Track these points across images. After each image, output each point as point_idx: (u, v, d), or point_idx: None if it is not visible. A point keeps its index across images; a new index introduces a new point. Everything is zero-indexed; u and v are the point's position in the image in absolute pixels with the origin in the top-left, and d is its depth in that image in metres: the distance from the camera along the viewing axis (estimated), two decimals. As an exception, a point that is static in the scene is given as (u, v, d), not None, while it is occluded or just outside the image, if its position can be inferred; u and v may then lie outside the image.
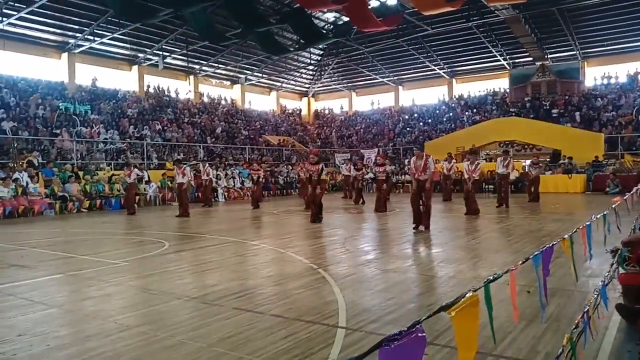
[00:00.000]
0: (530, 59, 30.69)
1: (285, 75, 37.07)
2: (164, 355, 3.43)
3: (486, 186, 19.94)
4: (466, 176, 13.31)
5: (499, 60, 31.65)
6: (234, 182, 23.69)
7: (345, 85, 39.42)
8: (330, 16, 27.80)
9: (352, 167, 21.45)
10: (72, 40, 24.57)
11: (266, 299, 4.88)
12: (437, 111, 34.54)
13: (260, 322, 4.13)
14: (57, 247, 8.92)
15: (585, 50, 29.43)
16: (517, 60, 31.76)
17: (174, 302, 4.87)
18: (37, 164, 17.62)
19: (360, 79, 38.09)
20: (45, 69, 24.92)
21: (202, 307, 4.64)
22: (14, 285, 5.75)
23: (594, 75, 30.29)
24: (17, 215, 14.95)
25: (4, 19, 21.00)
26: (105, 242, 9.71)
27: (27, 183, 15.99)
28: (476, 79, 34.57)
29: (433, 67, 33.86)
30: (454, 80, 35.33)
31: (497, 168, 15.70)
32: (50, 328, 4.10)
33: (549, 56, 30.29)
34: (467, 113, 32.21)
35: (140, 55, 28.03)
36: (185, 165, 15.83)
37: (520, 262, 2.27)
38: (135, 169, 16.87)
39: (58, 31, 23.66)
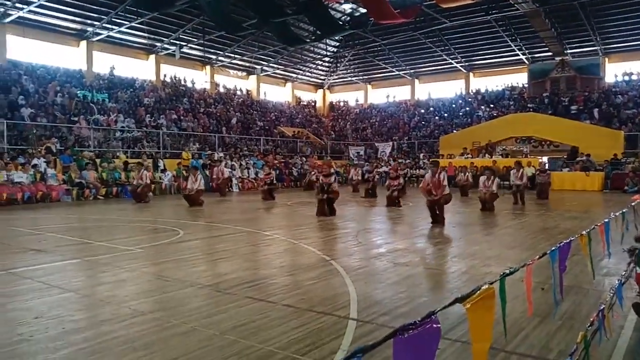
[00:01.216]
0: (550, 54, 30.18)
1: (301, 67, 37.00)
2: (177, 341, 3.47)
3: (502, 182, 19.70)
4: (483, 190, 13.19)
5: (517, 55, 31.20)
6: (248, 173, 23.78)
7: (360, 77, 39.22)
8: (347, 7, 27.60)
9: (358, 170, 21.75)
10: (90, 29, 24.77)
11: (278, 289, 4.90)
12: (454, 105, 34.22)
13: (272, 311, 4.15)
14: (73, 233, 9.07)
15: (607, 46, 28.85)
16: (536, 55, 31.27)
17: (188, 289, 4.92)
18: (55, 151, 17.86)
19: (376, 71, 37.87)
20: (63, 56, 25.17)
21: (215, 295, 4.68)
22: (32, 269, 5.86)
23: (614, 71, 29.72)
24: (36, 200, 15.21)
25: (25, 6, 21.26)
26: (121, 229, 9.83)
27: (45, 169, 16.24)
28: (494, 73, 34.13)
29: (450, 61, 33.51)
30: (471, 74, 34.94)
31: (511, 180, 15.54)
32: (66, 311, 4.17)
33: (569, 51, 29.76)
34: (483, 108, 31.87)
35: (158, 44, 28.16)
36: (199, 173, 15.67)
37: (537, 257, 2.25)
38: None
39: (77, 19, 23.86)
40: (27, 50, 23.51)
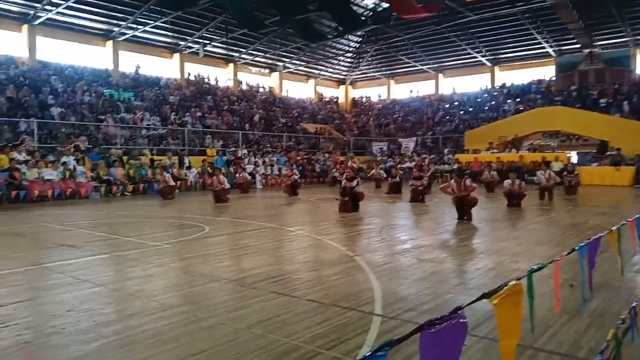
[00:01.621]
0: (578, 46, 29.46)
1: (323, 63, 36.95)
2: (204, 334, 3.53)
3: (529, 177, 19.34)
4: (507, 188, 13.06)
5: (544, 48, 30.53)
6: (271, 170, 23.92)
7: (383, 72, 38.96)
8: (370, 2, 27.50)
9: (380, 170, 21.84)
10: (116, 29, 25.20)
11: (302, 284, 4.93)
12: (479, 99, 33.70)
13: (296, 306, 4.18)
14: (102, 229, 9.28)
15: (638, 37, 27.99)
16: (563, 48, 30.54)
17: (214, 284, 4.99)
18: (83, 149, 18.27)
19: (399, 66, 37.56)
20: (90, 56, 25.68)
21: (241, 290, 4.73)
22: (63, 263, 6.02)
23: (646, 63, 28.84)
24: (65, 197, 15.60)
25: (53, 8, 21.79)
26: (148, 225, 10.02)
27: (74, 167, 16.64)
28: (520, 66, 33.47)
29: (475, 55, 33.02)
30: (496, 67, 34.35)
31: (539, 181, 15.11)
32: (96, 305, 4.28)
33: (598, 43, 28.98)
34: (509, 102, 31.34)
35: (182, 43, 28.50)
36: (222, 175, 15.77)
37: (566, 253, 2.22)
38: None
39: (103, 19, 24.31)
40: (55, 51, 24.08)
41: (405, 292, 4.64)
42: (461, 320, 1.35)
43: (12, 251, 7.03)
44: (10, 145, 16.42)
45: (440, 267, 5.74)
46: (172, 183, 16.62)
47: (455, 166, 23.36)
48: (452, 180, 10.81)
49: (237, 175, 19.73)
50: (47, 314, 4.08)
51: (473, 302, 1.49)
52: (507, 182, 13.30)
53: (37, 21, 22.64)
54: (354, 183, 12.13)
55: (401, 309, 4.09)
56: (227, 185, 15.37)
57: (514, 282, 1.58)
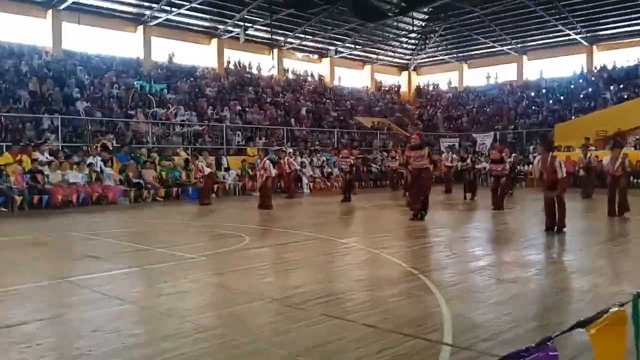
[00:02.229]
0: (700, 17, 27.95)
1: (382, 46, 36.82)
2: (244, 361, 3.60)
3: (634, 180, 18.54)
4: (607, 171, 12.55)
5: (656, 22, 29.17)
6: (320, 171, 24.07)
7: (454, 55, 38.38)
8: (439, -28, 27.15)
9: (452, 156, 21.15)
10: (148, 12, 26.09)
11: (357, 306, 4.94)
12: (572, 86, 32.72)
13: (350, 331, 4.18)
14: (131, 238, 9.64)
15: None
16: (680, 20, 29.07)
17: (255, 303, 5.08)
18: (111, 148, 18.93)
19: (473, 47, 36.93)
20: (120, 44, 26.71)
21: (286, 311, 4.79)
22: (88, 277, 6.29)
23: None
24: (91, 202, 16.27)
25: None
26: (182, 234, 10.32)
27: (101, 168, 17.31)
28: (624, 45, 32.09)
29: (567, 32, 31.92)
30: (594, 47, 33.14)
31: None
32: (124, 325, 4.45)
33: None
34: (611, 88, 30.14)
35: (220, 27, 29.18)
36: (267, 159, 15.93)
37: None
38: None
39: (133, 2, 25.25)
40: (82, 39, 25.10)
41: (481, 318, 4.56)
42: (551, 353, 1.32)
43: (35, 263, 7.43)
44: (32, 144, 17.25)
45: (524, 289, 5.61)
46: (208, 171, 16.84)
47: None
48: (538, 156, 9.97)
49: (281, 161, 19.44)
50: (71, 334, 4.29)
51: (565, 332, 1.45)
52: (606, 160, 12.64)
53: (63, 5, 23.63)
54: (424, 152, 11.54)
55: (476, 337, 4.02)
56: (273, 173, 15.57)
57: (615, 309, 1.53)
